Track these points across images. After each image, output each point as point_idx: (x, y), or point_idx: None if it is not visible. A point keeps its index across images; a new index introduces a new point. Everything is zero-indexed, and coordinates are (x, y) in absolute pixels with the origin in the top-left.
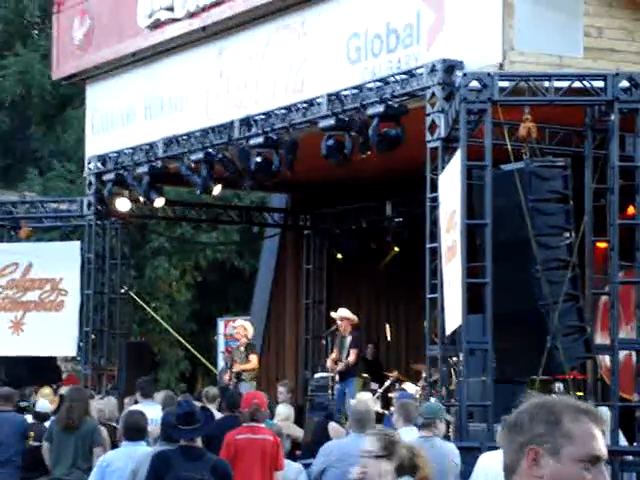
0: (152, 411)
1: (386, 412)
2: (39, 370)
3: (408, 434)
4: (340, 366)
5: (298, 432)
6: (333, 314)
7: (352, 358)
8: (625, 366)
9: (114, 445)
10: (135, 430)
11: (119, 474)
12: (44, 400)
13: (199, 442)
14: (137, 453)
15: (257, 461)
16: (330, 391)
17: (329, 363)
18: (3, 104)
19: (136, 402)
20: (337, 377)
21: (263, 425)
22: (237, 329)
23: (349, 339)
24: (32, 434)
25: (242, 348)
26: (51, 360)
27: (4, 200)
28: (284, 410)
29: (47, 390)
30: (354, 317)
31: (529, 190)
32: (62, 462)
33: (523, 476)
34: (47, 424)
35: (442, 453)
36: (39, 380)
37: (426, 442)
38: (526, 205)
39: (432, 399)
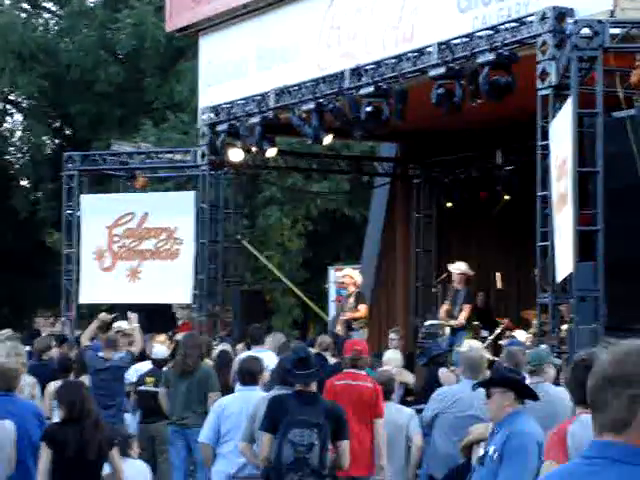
0: (263, 357)
1: (496, 359)
2: (155, 317)
3: None
4: (452, 321)
5: (410, 378)
6: (451, 267)
7: (465, 314)
8: None
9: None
10: (250, 375)
11: (234, 418)
12: (160, 346)
13: (314, 387)
14: (252, 397)
15: (353, 407)
16: (440, 339)
17: (442, 314)
18: (117, 57)
19: (249, 348)
20: (447, 330)
21: (363, 372)
22: (345, 278)
23: (462, 293)
24: (151, 379)
25: (351, 297)
26: (167, 307)
27: (119, 151)
28: (394, 356)
29: (162, 337)
30: (471, 272)
31: None
32: (179, 407)
33: (639, 430)
34: (165, 369)
35: (552, 398)
36: (155, 327)
37: (536, 388)
38: (638, 152)
39: (542, 346)
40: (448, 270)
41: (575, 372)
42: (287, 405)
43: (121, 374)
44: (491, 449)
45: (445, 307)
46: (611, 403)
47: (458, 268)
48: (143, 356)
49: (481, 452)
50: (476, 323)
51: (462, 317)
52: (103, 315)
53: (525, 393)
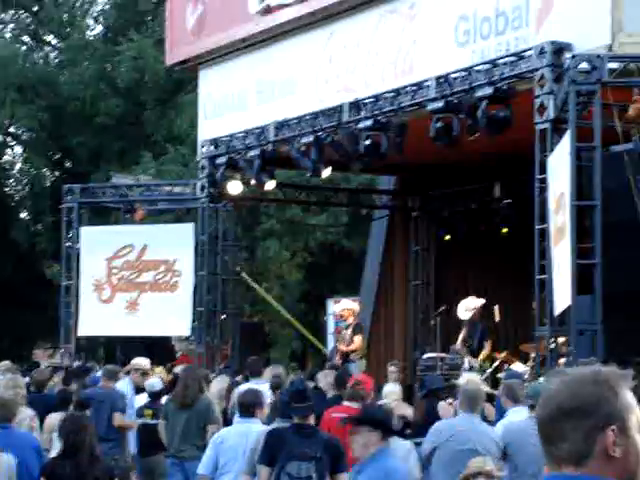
0: (261, 389)
1: (495, 392)
2: (154, 349)
3: (517, 414)
4: (476, 361)
5: (409, 411)
6: (462, 314)
7: (488, 350)
8: None
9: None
10: (248, 407)
11: (232, 450)
12: (154, 378)
13: (312, 420)
14: (250, 430)
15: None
16: (438, 372)
17: (458, 344)
18: (118, 89)
19: (247, 380)
20: (466, 360)
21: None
22: (342, 311)
23: (480, 326)
24: (149, 412)
25: (349, 329)
26: (166, 340)
27: (120, 183)
28: (393, 389)
29: (158, 369)
30: (482, 301)
31: (638, 170)
32: (177, 439)
33: (600, 461)
34: (162, 401)
35: None
36: (154, 359)
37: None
38: (636, 186)
39: (540, 379)
40: (446, 304)
41: None
42: (285, 438)
43: (122, 406)
44: None
45: (462, 337)
46: (568, 436)
47: (468, 308)
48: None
49: None
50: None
51: (485, 352)
52: None
53: (391, 432)
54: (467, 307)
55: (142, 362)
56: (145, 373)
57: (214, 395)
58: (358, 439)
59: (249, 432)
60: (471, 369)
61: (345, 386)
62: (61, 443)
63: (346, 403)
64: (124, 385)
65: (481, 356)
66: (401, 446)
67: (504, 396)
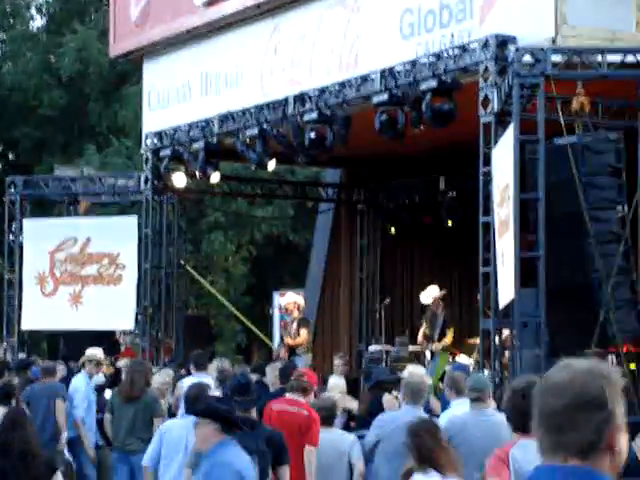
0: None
1: (440, 385)
2: (98, 343)
3: (461, 407)
4: (436, 345)
5: (353, 404)
6: (423, 298)
7: (450, 338)
8: None
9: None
10: (194, 400)
11: (175, 442)
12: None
13: (254, 413)
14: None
15: (286, 433)
16: (384, 364)
17: (420, 337)
18: (61, 81)
19: (189, 374)
20: (427, 353)
21: (304, 400)
22: (288, 304)
23: (441, 318)
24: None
25: (294, 322)
26: (110, 333)
27: (63, 175)
28: (338, 382)
29: None
30: (443, 292)
31: (582, 164)
32: (123, 432)
33: (605, 454)
34: (107, 395)
35: (494, 423)
36: None
37: (480, 415)
38: (579, 179)
39: (485, 372)
40: (391, 297)
41: (513, 400)
42: None
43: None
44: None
45: (422, 330)
46: (581, 427)
47: (430, 295)
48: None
49: None
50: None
51: (447, 340)
52: None
53: (233, 425)
54: (429, 294)
55: (95, 352)
56: (99, 363)
57: (155, 389)
58: (198, 432)
59: (192, 426)
60: (433, 356)
61: (289, 379)
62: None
63: (288, 395)
64: (81, 379)
65: (443, 342)
66: (345, 439)
67: (447, 388)
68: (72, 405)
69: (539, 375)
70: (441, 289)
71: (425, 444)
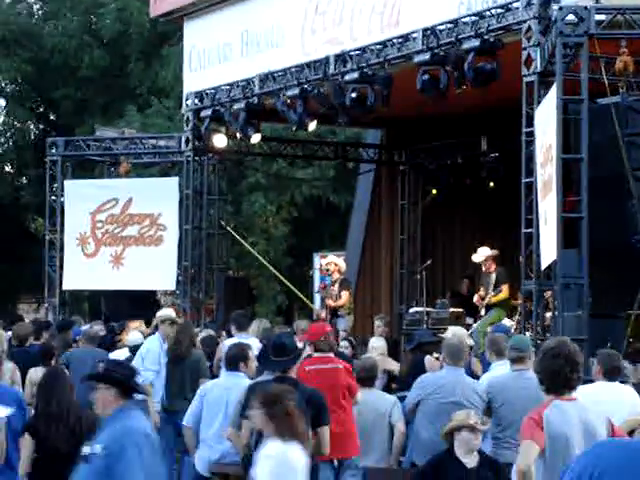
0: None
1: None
2: (139, 304)
3: (501, 368)
4: (490, 299)
5: (394, 365)
6: (475, 258)
7: (505, 292)
8: None
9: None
10: (233, 361)
11: (215, 403)
12: (135, 333)
13: (292, 373)
14: (234, 384)
15: (329, 390)
16: (425, 326)
17: (476, 299)
18: (102, 41)
19: (230, 335)
20: (483, 312)
21: (331, 354)
22: (329, 265)
23: (494, 276)
24: None
25: (335, 284)
26: (150, 294)
27: (104, 136)
28: (379, 343)
29: (136, 323)
30: (495, 252)
31: (625, 124)
32: (170, 393)
33: None
34: None
35: (535, 385)
36: (139, 314)
37: (520, 376)
38: (622, 139)
39: (527, 333)
40: (433, 258)
41: (545, 361)
42: None
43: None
44: (98, 446)
45: (480, 293)
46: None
47: (482, 255)
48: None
49: (92, 450)
50: (460, 310)
51: (503, 294)
52: None
53: (130, 389)
54: (480, 254)
55: (168, 312)
56: (173, 323)
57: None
58: (97, 397)
59: (234, 386)
60: (488, 309)
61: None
62: (41, 399)
63: (316, 355)
64: (154, 341)
65: (498, 297)
66: (385, 400)
67: (488, 350)
68: (142, 367)
69: (582, 337)
70: (475, 249)
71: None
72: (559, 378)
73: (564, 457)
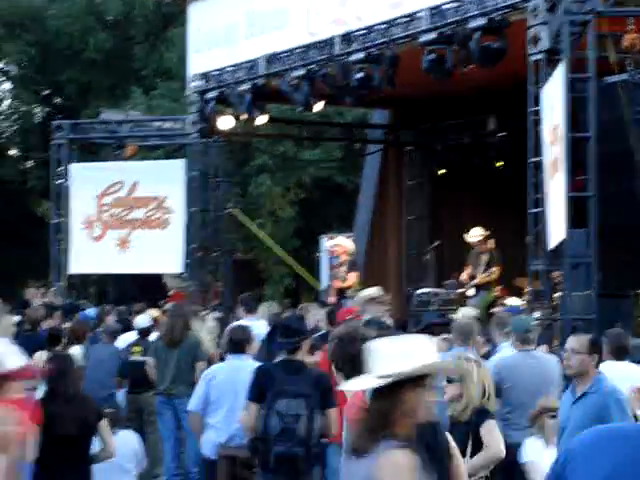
0: (255, 326)
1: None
2: (146, 287)
3: (509, 349)
4: (479, 279)
5: None
6: (468, 238)
7: (495, 274)
8: None
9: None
10: (237, 344)
11: (222, 386)
12: (142, 316)
13: (299, 355)
14: (240, 366)
15: None
16: (434, 307)
17: (464, 277)
18: (106, 23)
19: (238, 318)
20: (472, 291)
21: None
22: (336, 246)
23: (486, 256)
24: (138, 349)
25: (343, 265)
26: (157, 277)
27: (109, 119)
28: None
29: (140, 305)
30: (487, 232)
31: (633, 102)
32: (166, 377)
33: None
34: (151, 338)
35: (543, 364)
36: (146, 297)
37: (526, 356)
38: (630, 117)
39: (536, 313)
40: (441, 239)
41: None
42: (273, 375)
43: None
44: None
45: (467, 271)
46: None
47: (475, 235)
48: (128, 327)
49: None
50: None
51: (492, 276)
52: None
53: None
54: (472, 235)
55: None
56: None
57: (206, 331)
58: None
59: (240, 368)
60: (478, 290)
61: (335, 322)
62: (46, 382)
63: None
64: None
65: (486, 277)
66: None
67: (496, 330)
68: None
69: (590, 316)
70: (487, 230)
71: None
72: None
73: None
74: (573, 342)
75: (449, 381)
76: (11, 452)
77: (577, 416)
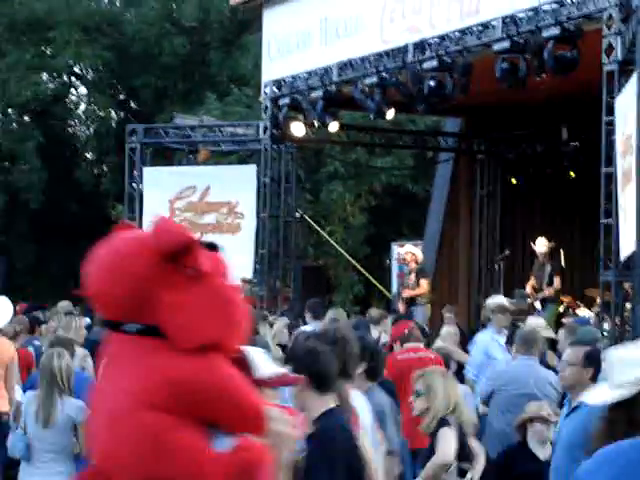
0: None
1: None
2: None
3: None
4: (543, 293)
5: (463, 358)
6: (539, 248)
7: (557, 284)
8: None
9: None
10: None
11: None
12: None
13: None
14: None
15: None
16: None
17: (528, 289)
18: (183, 29)
19: (305, 323)
20: (538, 304)
21: (421, 345)
22: (406, 254)
23: (549, 267)
24: None
25: (412, 273)
26: None
27: (183, 124)
28: (450, 330)
29: None
30: (552, 244)
31: None
32: None
33: None
34: None
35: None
36: None
37: None
38: None
39: (606, 325)
40: (511, 248)
41: None
42: None
43: None
44: None
45: (531, 283)
46: None
47: (540, 244)
48: None
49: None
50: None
51: (555, 286)
52: None
53: None
54: (540, 243)
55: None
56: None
57: (273, 336)
58: None
59: None
60: (544, 304)
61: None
62: None
63: (410, 345)
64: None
65: (551, 290)
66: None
67: (567, 338)
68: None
69: None
70: (555, 241)
71: None
72: None
73: None
74: (569, 354)
75: (418, 395)
76: (284, 452)
77: (568, 429)
